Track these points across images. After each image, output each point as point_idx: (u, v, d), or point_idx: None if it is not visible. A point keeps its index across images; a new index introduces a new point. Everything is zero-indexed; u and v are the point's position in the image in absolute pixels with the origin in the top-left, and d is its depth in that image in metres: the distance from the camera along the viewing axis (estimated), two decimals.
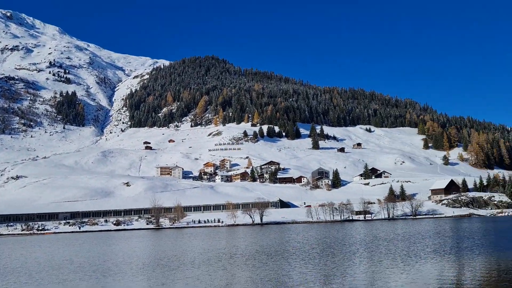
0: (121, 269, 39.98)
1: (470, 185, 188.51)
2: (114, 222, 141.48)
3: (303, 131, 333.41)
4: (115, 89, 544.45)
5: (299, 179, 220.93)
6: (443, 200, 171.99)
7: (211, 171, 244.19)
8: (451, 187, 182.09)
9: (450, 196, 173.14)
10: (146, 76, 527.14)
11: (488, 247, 47.55)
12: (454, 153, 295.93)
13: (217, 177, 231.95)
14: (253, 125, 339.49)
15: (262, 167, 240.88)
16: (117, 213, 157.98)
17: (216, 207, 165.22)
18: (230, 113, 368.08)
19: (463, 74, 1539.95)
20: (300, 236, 76.45)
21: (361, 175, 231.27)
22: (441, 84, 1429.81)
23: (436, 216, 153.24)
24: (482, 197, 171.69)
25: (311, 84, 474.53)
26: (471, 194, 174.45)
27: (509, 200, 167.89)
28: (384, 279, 29.04)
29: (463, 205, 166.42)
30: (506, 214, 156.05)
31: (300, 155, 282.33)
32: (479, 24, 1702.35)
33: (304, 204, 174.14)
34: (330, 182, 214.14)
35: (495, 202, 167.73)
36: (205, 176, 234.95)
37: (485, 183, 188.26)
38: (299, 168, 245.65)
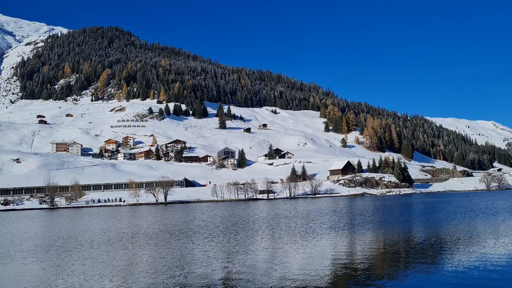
0: (10, 251, 36.76)
1: (365, 166, 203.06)
2: (2, 202, 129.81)
3: (210, 110, 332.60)
4: (4, 56, 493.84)
5: (205, 158, 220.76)
6: (340, 180, 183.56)
7: (113, 148, 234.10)
8: (348, 168, 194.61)
9: (347, 177, 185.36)
10: (41, 44, 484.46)
11: (377, 223, 51.74)
12: (352, 136, 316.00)
13: (119, 155, 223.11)
14: (159, 102, 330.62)
15: (168, 145, 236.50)
16: (5, 192, 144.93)
17: (118, 186, 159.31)
18: (135, 89, 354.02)
19: (362, 62, 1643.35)
20: (205, 215, 76.67)
21: (266, 155, 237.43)
22: (343, 70, 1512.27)
23: (334, 195, 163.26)
24: (374, 177, 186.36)
25: (220, 63, 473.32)
26: (365, 175, 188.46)
27: (397, 181, 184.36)
28: (284, 254, 30.19)
29: (358, 185, 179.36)
30: (393, 193, 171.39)
31: (207, 134, 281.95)
32: (380, 13, 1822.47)
33: (210, 183, 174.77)
34: (235, 162, 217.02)
35: (385, 182, 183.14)
36: (107, 154, 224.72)
37: (377, 164, 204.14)
38: (205, 147, 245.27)
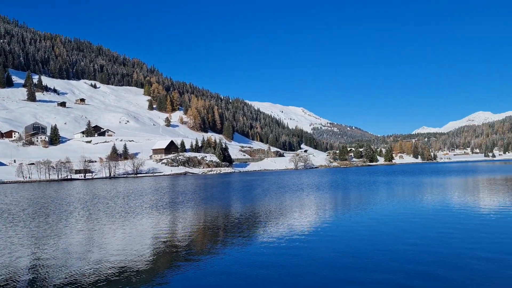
0: None
1: (188, 146, 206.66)
2: None
3: (16, 79, 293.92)
4: None
5: (9, 134, 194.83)
6: (163, 159, 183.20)
7: None
8: (171, 147, 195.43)
9: (170, 156, 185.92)
10: None
11: (198, 201, 53.15)
12: (176, 116, 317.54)
13: None
14: None
15: None
16: None
17: None
18: None
19: (188, 42, 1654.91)
20: (9, 198, 67.72)
21: (83, 132, 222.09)
22: (168, 48, 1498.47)
23: (156, 174, 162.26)
24: (197, 157, 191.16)
25: (29, 26, 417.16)
26: (188, 154, 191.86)
27: (218, 160, 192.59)
28: (102, 236, 28.53)
29: (180, 164, 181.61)
30: (214, 172, 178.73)
31: (12, 106, 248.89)
32: None
33: (15, 161, 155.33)
34: (47, 139, 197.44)
35: (207, 162, 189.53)
36: None
37: (200, 144, 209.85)
38: (9, 121, 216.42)
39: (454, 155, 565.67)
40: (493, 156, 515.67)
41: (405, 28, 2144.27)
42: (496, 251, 20.67)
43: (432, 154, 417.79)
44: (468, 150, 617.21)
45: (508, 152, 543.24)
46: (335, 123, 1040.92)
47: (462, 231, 26.16)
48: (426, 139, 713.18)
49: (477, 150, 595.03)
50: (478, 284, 16.01)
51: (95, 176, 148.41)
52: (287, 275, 18.10)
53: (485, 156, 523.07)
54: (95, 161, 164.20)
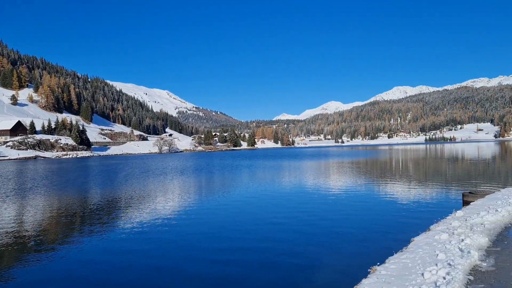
0: None
1: (39, 127, 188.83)
2: None
3: None
4: None
5: None
6: (8, 141, 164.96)
7: None
8: (18, 128, 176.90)
9: (16, 138, 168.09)
10: None
11: (51, 187, 48.70)
12: (24, 94, 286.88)
13: None
14: None
15: None
16: None
17: None
18: None
19: (36, 11, 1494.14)
20: None
21: None
22: (11, 15, 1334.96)
23: (0, 158, 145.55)
24: (50, 139, 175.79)
25: None
26: (39, 137, 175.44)
27: (74, 143, 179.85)
28: None
29: (30, 147, 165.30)
30: (70, 156, 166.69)
31: None
32: None
33: None
34: None
35: (62, 145, 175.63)
36: None
37: (53, 126, 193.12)
38: None
39: (310, 140, 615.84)
40: (342, 142, 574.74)
41: (266, 18, 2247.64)
42: (349, 223, 22.81)
43: (290, 139, 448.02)
44: (322, 136, 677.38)
45: (355, 139, 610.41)
46: (201, 108, 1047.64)
47: (320, 209, 28.30)
48: (285, 125, 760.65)
49: (329, 137, 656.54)
50: (344, 249, 17.39)
51: None
52: (149, 258, 17.47)
53: (335, 142, 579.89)
54: None
